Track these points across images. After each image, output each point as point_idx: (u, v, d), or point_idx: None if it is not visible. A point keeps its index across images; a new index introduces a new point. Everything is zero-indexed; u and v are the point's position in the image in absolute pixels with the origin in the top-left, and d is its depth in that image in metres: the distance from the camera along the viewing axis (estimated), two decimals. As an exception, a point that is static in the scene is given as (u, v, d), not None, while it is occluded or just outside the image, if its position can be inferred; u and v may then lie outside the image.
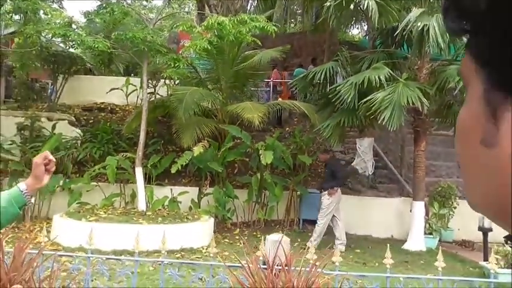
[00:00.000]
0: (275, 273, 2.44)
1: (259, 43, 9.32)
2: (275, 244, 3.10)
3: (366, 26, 11.96)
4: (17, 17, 11.89)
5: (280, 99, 11.70)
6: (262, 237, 7.45)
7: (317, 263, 2.74)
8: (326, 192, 7.52)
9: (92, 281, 3.58)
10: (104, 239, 6.39)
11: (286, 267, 2.44)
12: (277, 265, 2.53)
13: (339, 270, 3.06)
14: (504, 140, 0.33)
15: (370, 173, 8.82)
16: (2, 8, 12.26)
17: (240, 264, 2.57)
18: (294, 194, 9.18)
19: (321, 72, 8.42)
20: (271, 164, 8.68)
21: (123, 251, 6.65)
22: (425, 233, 7.73)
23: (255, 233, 8.40)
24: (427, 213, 7.85)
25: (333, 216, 7.54)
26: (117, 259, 4.14)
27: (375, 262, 6.50)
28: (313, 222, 8.06)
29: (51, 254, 3.03)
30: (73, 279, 2.91)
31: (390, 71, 7.72)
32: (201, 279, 3.88)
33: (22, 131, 10.03)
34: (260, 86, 12.53)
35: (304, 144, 9.63)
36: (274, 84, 12.68)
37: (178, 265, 4.03)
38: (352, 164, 9.05)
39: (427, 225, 7.88)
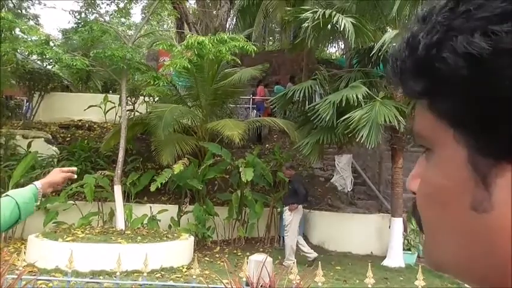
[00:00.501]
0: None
1: (239, 61, 9.45)
2: (258, 264, 3.11)
3: (343, 45, 12.30)
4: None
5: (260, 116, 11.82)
6: (244, 256, 7.45)
7: (300, 283, 2.77)
8: (287, 207, 7.61)
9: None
10: (82, 259, 6.24)
11: (270, 288, 2.46)
12: (261, 286, 2.55)
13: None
14: (501, 207, 0.31)
15: (349, 190, 8.96)
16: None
17: (222, 286, 2.58)
18: (275, 211, 9.21)
19: (300, 91, 8.57)
20: (252, 181, 8.71)
21: (101, 271, 6.52)
22: (404, 249, 7.85)
23: (235, 251, 8.36)
24: (405, 229, 8.00)
25: None
26: (97, 282, 4.06)
27: (355, 279, 6.56)
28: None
29: (30, 278, 2.96)
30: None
31: (367, 89, 7.92)
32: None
33: (-4, 149, 9.79)
34: (239, 103, 12.64)
35: (284, 161, 9.71)
36: (260, 100, 12.72)
37: (160, 287, 3.98)
38: (331, 180, 9.17)
39: (406, 241, 8.02)
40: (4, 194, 1.42)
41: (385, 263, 7.65)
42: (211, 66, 9.73)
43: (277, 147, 10.46)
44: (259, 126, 10.58)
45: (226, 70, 10.63)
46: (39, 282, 4.98)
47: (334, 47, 14.06)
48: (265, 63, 10.91)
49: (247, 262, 3.15)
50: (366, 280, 3.24)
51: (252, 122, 10.32)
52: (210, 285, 2.94)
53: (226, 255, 7.91)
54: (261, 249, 8.60)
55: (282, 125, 9.56)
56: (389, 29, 9.58)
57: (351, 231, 8.62)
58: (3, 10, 10.90)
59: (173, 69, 8.33)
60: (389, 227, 7.96)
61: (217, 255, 7.97)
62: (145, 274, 3.34)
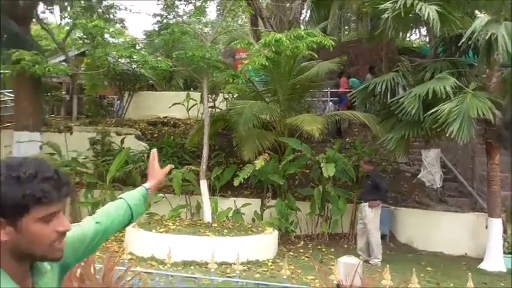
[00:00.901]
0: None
1: (316, 56, 9.37)
2: (348, 267, 3.12)
3: (426, 33, 11.66)
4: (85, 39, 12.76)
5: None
6: (329, 252, 7.41)
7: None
8: (367, 203, 7.45)
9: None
10: (174, 250, 6.64)
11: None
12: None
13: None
14: None
15: (439, 186, 8.52)
16: (72, 33, 13.22)
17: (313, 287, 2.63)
18: (358, 207, 9.06)
19: (382, 83, 8.31)
20: (333, 176, 8.65)
21: (192, 262, 6.91)
22: (504, 252, 7.32)
23: (319, 247, 8.38)
24: (504, 231, 7.45)
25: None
26: (194, 277, 4.32)
27: (449, 282, 6.25)
28: (380, 236, 7.92)
29: (136, 271, 3.25)
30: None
31: (456, 80, 7.49)
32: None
33: (94, 146, 10.71)
34: (317, 96, 12.54)
35: (366, 156, 9.50)
36: (343, 92, 12.45)
37: (253, 285, 4.13)
38: (418, 176, 8.80)
39: (506, 243, 7.46)
40: (118, 197, 1.56)
41: (482, 266, 7.18)
42: (287, 61, 9.77)
43: (359, 141, 10.25)
44: (339, 120, 10.44)
45: (302, 64, 10.61)
46: (141, 271, 5.40)
47: (416, 34, 13.35)
48: (343, 55, 10.69)
49: (335, 264, 3.16)
50: (468, 284, 3.09)
51: (330, 116, 10.22)
52: (302, 287, 3.00)
53: (310, 251, 7.96)
54: (346, 246, 8.53)
55: (363, 118, 9.36)
56: (479, 15, 8.93)
57: (442, 231, 8.22)
58: (94, 16, 11.83)
59: (251, 67, 8.47)
60: (486, 227, 7.46)
61: (301, 250, 8.05)
62: (238, 271, 3.48)
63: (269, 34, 8.74)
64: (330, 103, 12.50)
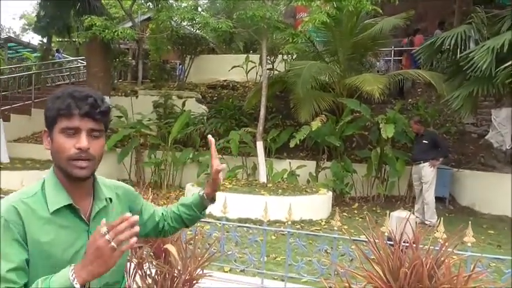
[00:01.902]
0: (402, 250, 2.41)
1: (380, 11, 8.86)
2: (400, 221, 3.03)
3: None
4: (149, 4, 13.13)
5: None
6: (384, 214, 7.32)
7: (446, 243, 2.62)
8: (427, 163, 7.20)
9: (225, 245, 3.96)
10: (231, 207, 6.88)
11: (414, 245, 2.39)
12: (404, 242, 2.49)
13: (471, 252, 2.90)
14: None
15: (508, 147, 7.89)
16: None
17: (365, 239, 2.60)
18: (418, 169, 8.70)
19: (451, 38, 7.70)
20: (393, 138, 8.33)
21: (247, 219, 7.12)
22: None
23: (374, 208, 8.24)
24: None
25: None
26: (247, 227, 4.47)
27: (512, 245, 5.91)
28: (438, 199, 7.62)
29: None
30: (212, 243, 3.26)
31: (537, 31, 6.73)
32: (326, 251, 3.99)
33: (157, 108, 11.20)
34: (380, 55, 11.95)
35: (430, 117, 9.01)
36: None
37: (304, 235, 4.20)
38: (485, 137, 8.20)
39: None
40: (175, 207, 1.68)
41: (548, 230, 6.69)
42: (349, 18, 9.34)
43: (422, 102, 9.71)
44: (402, 79, 9.91)
45: (365, 21, 10.10)
46: (199, 225, 5.69)
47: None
48: (410, 10, 9.99)
49: (389, 217, 3.10)
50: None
51: (393, 76, 9.71)
52: (352, 237, 2.99)
53: (365, 212, 7.85)
54: (402, 208, 8.30)
55: (427, 77, 8.79)
56: None
57: (508, 194, 7.67)
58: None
59: (312, 25, 8.22)
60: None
61: (355, 212, 7.97)
62: (289, 222, 3.54)
63: (331, -11, 8.38)
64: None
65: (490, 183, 8.01)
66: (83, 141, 1.19)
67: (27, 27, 28.79)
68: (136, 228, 1.04)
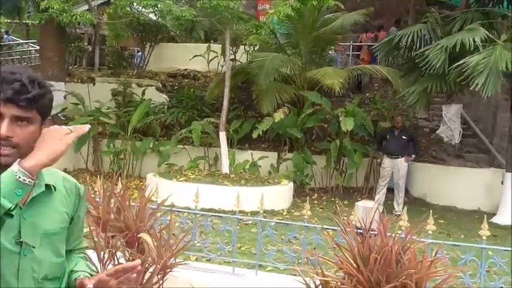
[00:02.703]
0: (370, 237, 2.56)
1: (342, 6, 9.08)
2: (366, 210, 3.20)
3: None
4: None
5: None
6: (342, 204, 7.62)
7: (410, 231, 2.80)
8: (403, 158, 7.70)
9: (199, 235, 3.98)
10: (193, 197, 6.90)
11: (383, 232, 2.54)
12: (372, 230, 2.64)
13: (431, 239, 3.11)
14: None
15: (457, 142, 8.43)
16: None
17: (335, 227, 2.73)
18: (374, 161, 9.09)
19: (408, 35, 8.05)
20: (351, 131, 8.63)
21: (210, 210, 7.13)
22: (517, 207, 7.32)
23: (333, 199, 8.52)
24: (520, 185, 7.40)
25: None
26: (219, 217, 4.51)
27: (460, 234, 6.35)
28: (393, 191, 8.00)
29: (166, 209, 3.42)
30: (185, 232, 3.28)
31: (487, 32, 7.18)
32: (291, 239, 4.11)
33: (116, 97, 10.87)
34: (338, 50, 12.27)
35: (386, 111, 9.39)
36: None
37: (274, 225, 4.30)
38: (437, 131, 8.69)
39: (519, 198, 7.44)
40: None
41: (494, 220, 7.21)
42: (312, 12, 9.51)
43: (379, 96, 10.11)
44: (360, 74, 10.24)
45: (326, 16, 10.31)
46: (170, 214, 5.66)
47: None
48: (369, 7, 10.32)
49: (355, 207, 3.25)
50: (480, 232, 3.15)
51: (352, 70, 10.02)
52: (323, 226, 3.12)
53: (325, 203, 8.12)
54: (359, 199, 8.62)
55: (384, 72, 9.16)
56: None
57: (457, 185, 8.21)
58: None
59: (276, 18, 8.30)
60: (502, 182, 7.42)
61: (315, 202, 8.20)
62: (261, 212, 3.62)
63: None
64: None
65: (439, 175, 8.53)
66: (3, 128, 1.10)
67: (-31, 5, 26.84)
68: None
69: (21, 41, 16.53)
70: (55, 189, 1.24)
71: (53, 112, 10.32)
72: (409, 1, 12.75)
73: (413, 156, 7.83)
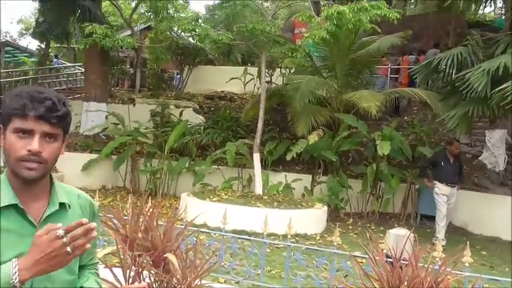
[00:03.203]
0: (401, 268, 2.44)
1: (378, 30, 9.01)
2: (398, 238, 3.07)
3: (503, 4, 10.76)
4: (150, 14, 13.24)
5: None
6: (378, 231, 7.37)
7: (445, 262, 2.66)
8: (456, 186, 7.33)
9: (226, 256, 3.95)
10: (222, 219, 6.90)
11: (413, 263, 2.42)
12: (403, 260, 2.52)
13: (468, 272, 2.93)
14: None
15: (501, 169, 8.00)
16: (138, 9, 13.76)
17: (365, 255, 2.63)
18: (412, 187, 8.78)
19: (448, 58, 7.84)
20: (388, 155, 8.40)
21: (242, 231, 7.10)
22: None
23: (368, 225, 8.27)
24: None
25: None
26: (247, 239, 4.47)
27: (504, 267, 5.95)
28: (432, 218, 7.66)
29: (193, 230, 3.42)
30: (213, 253, 3.26)
31: (532, 55, 6.88)
32: (326, 264, 3.99)
33: (154, 117, 11.21)
34: (376, 73, 12.12)
35: (425, 135, 9.11)
36: None
37: (304, 249, 4.20)
38: (479, 157, 8.31)
39: None
40: None
41: (542, 253, 6.74)
42: (348, 35, 9.48)
43: (417, 120, 9.83)
44: (398, 97, 10.03)
45: (363, 39, 10.25)
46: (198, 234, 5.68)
47: (490, 6, 12.33)
48: (407, 30, 10.17)
49: (385, 235, 3.13)
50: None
51: (389, 93, 9.85)
52: (351, 253, 3.01)
53: (359, 228, 7.88)
54: (396, 225, 8.33)
55: (423, 96, 8.92)
56: None
57: (501, 215, 7.74)
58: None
59: (311, 41, 8.33)
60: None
61: (350, 227, 7.99)
62: (289, 236, 3.56)
63: (331, 6, 8.52)
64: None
65: (483, 203, 8.09)
66: (35, 144, 1.15)
67: (24, 31, 28.78)
68: (93, 234, 1.04)
69: (69, 64, 17.47)
70: (69, 207, 1.27)
71: (95, 131, 10.87)
72: (449, 23, 12.49)
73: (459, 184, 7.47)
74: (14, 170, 1.17)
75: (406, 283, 2.34)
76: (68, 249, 1.02)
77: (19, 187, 1.19)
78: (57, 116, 1.16)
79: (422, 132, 9.14)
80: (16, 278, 1.02)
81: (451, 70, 7.90)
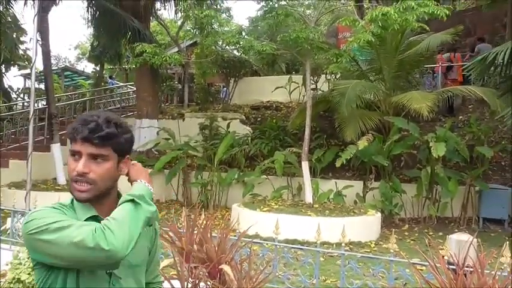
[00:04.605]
0: (465, 275, 2.31)
1: (427, 28, 8.70)
2: (460, 244, 2.91)
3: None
4: (195, 31, 13.62)
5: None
6: (437, 237, 7.03)
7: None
8: None
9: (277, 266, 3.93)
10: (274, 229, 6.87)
11: (479, 270, 2.29)
12: (467, 266, 2.39)
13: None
14: None
15: None
16: (183, 26, 14.21)
17: (425, 262, 2.51)
18: (472, 189, 8.33)
19: (505, 52, 7.40)
20: (443, 157, 8.04)
21: (294, 240, 7.04)
22: None
23: (426, 230, 7.92)
24: None
25: None
26: (300, 249, 4.43)
27: None
28: (496, 221, 7.22)
29: (247, 241, 3.44)
30: (267, 263, 3.26)
31: None
32: (383, 272, 3.86)
33: (203, 130, 11.46)
34: (427, 72, 11.70)
35: (483, 134, 8.64)
36: None
37: (359, 257, 4.10)
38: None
39: None
40: None
41: None
42: (394, 36, 9.23)
43: (474, 119, 9.34)
44: (451, 96, 9.60)
45: (411, 38, 9.95)
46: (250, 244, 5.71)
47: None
48: (458, 25, 9.74)
49: (446, 241, 2.98)
50: None
51: (442, 93, 9.45)
52: (411, 260, 2.89)
53: (416, 234, 7.57)
54: (456, 230, 7.93)
55: (479, 93, 8.48)
56: None
57: None
58: (204, 7, 12.52)
59: (356, 45, 8.20)
60: None
61: (406, 233, 7.70)
62: (343, 244, 3.49)
63: (375, 9, 8.35)
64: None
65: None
66: (80, 165, 1.21)
67: (81, 56, 30.64)
68: None
69: (122, 84, 18.33)
70: None
71: (148, 147, 11.28)
72: (505, 15, 11.83)
73: None
74: (70, 190, 1.26)
75: (471, 291, 2.21)
76: None
77: (93, 204, 1.29)
78: (99, 137, 1.22)
79: (479, 131, 8.67)
80: (151, 189, 1.30)
81: (508, 63, 7.45)
